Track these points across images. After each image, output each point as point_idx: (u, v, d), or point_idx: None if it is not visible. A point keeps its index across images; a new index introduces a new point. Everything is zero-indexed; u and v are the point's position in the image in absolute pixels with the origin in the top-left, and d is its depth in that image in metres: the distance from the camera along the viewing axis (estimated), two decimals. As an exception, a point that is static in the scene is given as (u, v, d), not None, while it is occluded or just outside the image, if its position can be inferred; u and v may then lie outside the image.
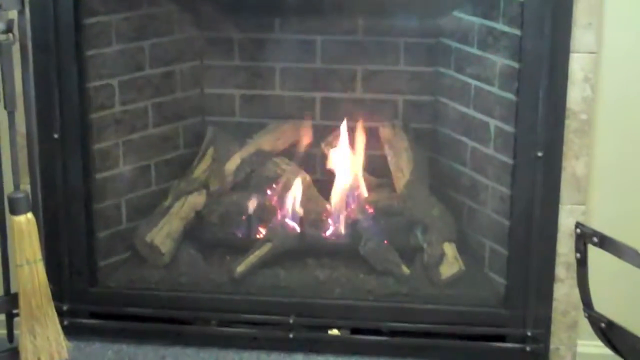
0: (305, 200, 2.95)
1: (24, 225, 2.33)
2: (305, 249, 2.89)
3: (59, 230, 2.69)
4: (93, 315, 2.77)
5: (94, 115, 2.75)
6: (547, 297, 2.62)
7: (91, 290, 2.76)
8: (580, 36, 2.47)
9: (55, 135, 2.64)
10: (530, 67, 2.51)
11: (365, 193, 2.98)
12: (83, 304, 2.75)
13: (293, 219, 2.92)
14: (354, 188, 2.99)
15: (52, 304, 2.38)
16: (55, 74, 2.60)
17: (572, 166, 2.56)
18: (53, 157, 2.65)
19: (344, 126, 3.00)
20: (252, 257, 2.83)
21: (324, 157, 3.05)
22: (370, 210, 2.91)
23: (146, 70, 2.91)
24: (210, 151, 3.02)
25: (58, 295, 2.59)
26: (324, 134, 3.04)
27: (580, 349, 2.66)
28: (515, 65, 2.57)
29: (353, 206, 2.93)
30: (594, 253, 2.01)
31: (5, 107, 2.34)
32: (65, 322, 2.68)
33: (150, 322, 2.74)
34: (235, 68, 3.12)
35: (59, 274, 2.69)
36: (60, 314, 2.54)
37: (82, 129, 2.68)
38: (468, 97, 2.86)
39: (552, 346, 2.65)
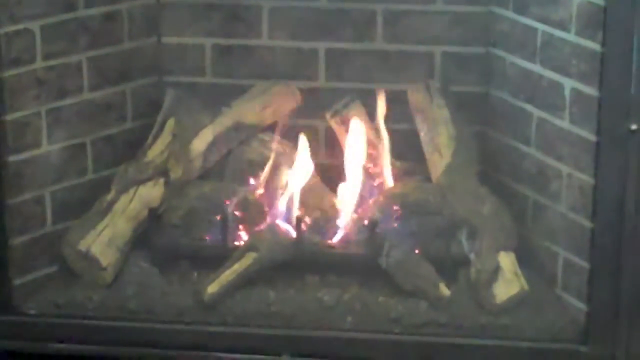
0: (305, 194, 2.96)
1: None
2: (304, 261, 2.90)
3: (-43, 234, 2.70)
4: (5, 354, 2.78)
5: (7, 74, 2.76)
6: None
7: (2, 320, 2.78)
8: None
9: (-48, 101, 2.66)
10: (620, 5, 2.52)
11: (389, 183, 3.00)
12: (-9, 338, 2.76)
13: (287, 219, 2.93)
14: (373, 176, 3.02)
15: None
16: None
17: (681, 144, 2.56)
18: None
19: (358, 89, 3.02)
20: (229, 273, 2.83)
21: (331, 134, 3.08)
22: (396, 208, 2.91)
23: (79, 10, 2.91)
24: (170, 124, 3.02)
25: (-44, 326, 2.58)
26: (331, 100, 3.06)
27: (690, 401, 2.65)
28: (600, 1, 2.57)
29: (372, 202, 2.95)
30: None
31: None
32: (-33, 363, 2.67)
33: None
34: (205, 7, 3.13)
35: (-42, 296, 2.71)
36: (-40, 351, 2.55)
37: (-12, 92, 2.69)
38: (533, 47, 2.87)
39: (651, 397, 2.65)
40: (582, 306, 2.70)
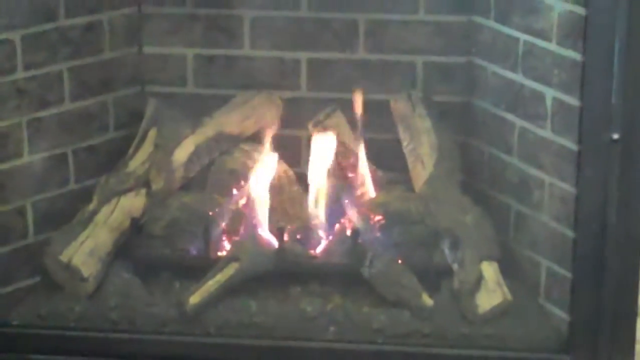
0: (287, 204, 2.98)
1: None
2: (287, 271, 2.89)
3: (-62, 245, 2.71)
4: None
5: None
6: (626, 338, 2.64)
7: None
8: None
9: None
10: (601, 14, 2.52)
11: (371, 193, 3.01)
12: (-28, 350, 2.74)
13: (269, 230, 2.93)
14: (355, 186, 3.01)
15: None
16: None
17: (662, 153, 2.57)
18: None
19: (341, 99, 3.03)
20: (212, 284, 2.82)
21: (313, 143, 3.05)
22: (378, 218, 2.91)
23: (60, 20, 2.92)
24: (152, 134, 3.04)
25: (-64, 338, 2.61)
26: (313, 110, 3.07)
27: (673, 411, 2.67)
28: (581, 11, 2.58)
29: (354, 211, 2.94)
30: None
31: None
32: (-53, 376, 2.69)
33: None
34: (186, 17, 3.15)
35: (-62, 308, 2.73)
36: (-60, 364, 2.54)
37: (-32, 103, 2.68)
38: (515, 57, 2.88)
39: (634, 408, 2.66)
40: (564, 316, 2.70)
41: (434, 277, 2.85)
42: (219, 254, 2.92)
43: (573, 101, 2.63)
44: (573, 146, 2.64)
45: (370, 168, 3.03)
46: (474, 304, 2.78)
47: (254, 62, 3.14)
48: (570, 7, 2.62)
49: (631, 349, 2.64)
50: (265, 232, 2.92)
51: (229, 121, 3.07)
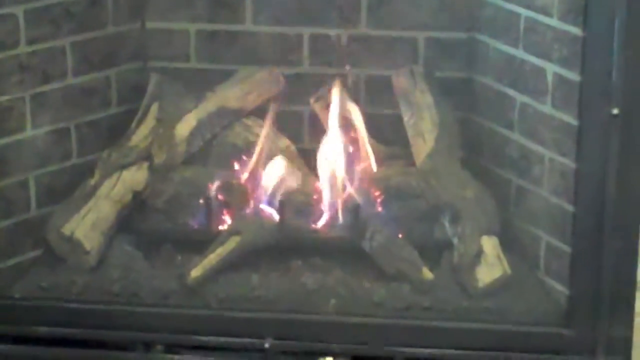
0: (288, 178, 2.97)
1: None
2: (288, 245, 2.91)
3: (-59, 218, 2.74)
4: None
5: None
6: (625, 311, 2.65)
7: None
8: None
9: None
10: None
11: (372, 167, 3.02)
12: (-24, 322, 2.79)
13: (270, 203, 2.94)
14: (356, 160, 3.01)
15: None
16: None
17: (661, 128, 2.59)
18: None
19: (342, 74, 3.05)
20: (213, 257, 2.83)
21: (314, 118, 3.10)
22: (379, 192, 2.92)
23: None
24: (154, 109, 3.05)
25: (-60, 310, 2.65)
26: (314, 85, 3.09)
27: (670, 382, 2.70)
28: None
29: (354, 186, 2.95)
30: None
31: None
32: (-49, 347, 2.74)
33: (70, 346, 2.76)
34: None
35: (-58, 280, 2.75)
36: (-56, 335, 2.59)
37: (-29, 76, 2.73)
38: (516, 32, 2.88)
39: (632, 379, 2.68)
40: (564, 290, 2.71)
41: (434, 251, 2.87)
42: (221, 227, 2.93)
43: (573, 76, 2.64)
44: (573, 121, 2.65)
45: (371, 142, 3.05)
46: (473, 278, 2.79)
47: (256, 37, 3.15)
48: (571, -19, 2.65)
49: (630, 322, 2.64)
50: (266, 206, 2.93)
51: (231, 96, 3.08)
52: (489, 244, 2.82)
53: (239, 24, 3.15)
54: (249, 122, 3.08)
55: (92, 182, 2.94)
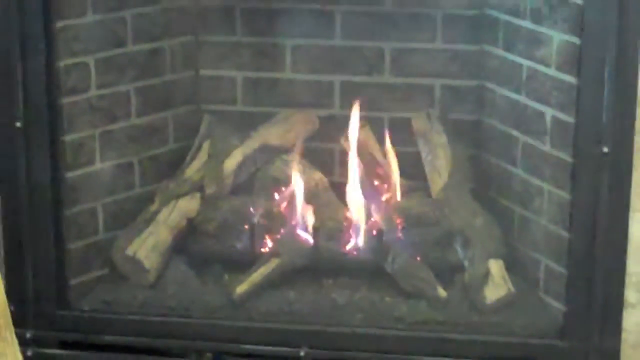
0: (321, 207, 3.01)
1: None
2: (321, 266, 2.94)
3: (22, 240, 2.77)
4: (62, 344, 2.84)
5: (65, 101, 2.80)
6: (615, 326, 2.68)
7: (60, 314, 2.84)
8: (655, 5, 2.49)
9: (18, 124, 2.71)
10: (594, 43, 2.56)
11: (395, 198, 3.05)
12: (50, 331, 2.83)
13: (306, 229, 2.98)
14: (380, 192, 3.05)
15: (12, 330, 2.29)
16: (18, 49, 2.68)
17: (645, 165, 2.59)
18: (14, 151, 2.72)
19: (368, 117, 3.07)
20: (256, 276, 2.89)
21: (344, 155, 3.09)
22: (400, 220, 2.99)
23: (128, 47, 2.98)
24: (206, 146, 3.09)
25: (20, 320, 2.63)
26: (345, 125, 3.07)
27: (656, 391, 2.72)
28: (576, 40, 2.62)
29: (379, 214, 2.99)
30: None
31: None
32: (29, 353, 2.77)
33: (131, 353, 2.81)
34: (236, 45, 3.19)
35: (22, 294, 2.78)
36: (23, 342, 2.62)
37: (50, 117, 2.74)
38: (519, 81, 2.91)
39: (621, 387, 2.70)
40: (560, 306, 2.75)
41: (448, 272, 2.90)
42: (263, 250, 2.97)
43: (569, 119, 2.67)
44: (569, 158, 2.69)
45: (393, 177, 3.06)
46: (482, 296, 2.83)
47: (294, 84, 3.18)
48: (567, 37, 2.66)
49: (618, 336, 2.67)
50: (302, 232, 2.98)
51: (273, 135, 3.12)
52: (496, 266, 2.86)
53: (279, 72, 3.18)
54: (288, 157, 3.08)
55: (152, 209, 3.00)
